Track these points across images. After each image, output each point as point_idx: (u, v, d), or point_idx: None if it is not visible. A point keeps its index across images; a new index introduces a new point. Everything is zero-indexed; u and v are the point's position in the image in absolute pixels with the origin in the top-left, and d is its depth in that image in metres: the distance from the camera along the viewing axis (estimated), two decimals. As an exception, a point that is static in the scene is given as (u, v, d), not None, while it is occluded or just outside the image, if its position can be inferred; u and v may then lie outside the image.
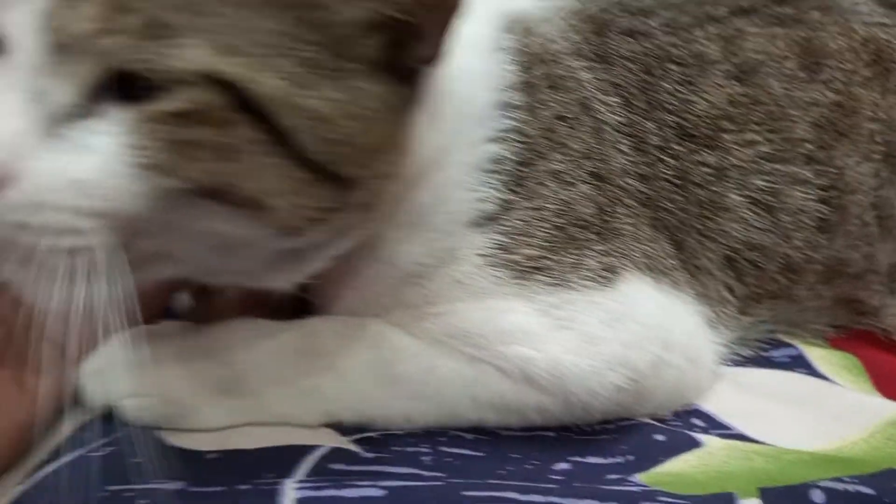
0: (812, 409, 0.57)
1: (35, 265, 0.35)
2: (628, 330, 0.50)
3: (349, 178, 0.39)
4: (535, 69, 0.52)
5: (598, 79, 0.55)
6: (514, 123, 0.49)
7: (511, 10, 0.54)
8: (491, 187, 0.48)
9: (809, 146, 0.57)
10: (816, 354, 0.62)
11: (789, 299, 0.60)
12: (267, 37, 0.35)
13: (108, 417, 0.48)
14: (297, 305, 0.59)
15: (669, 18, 0.59)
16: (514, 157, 0.49)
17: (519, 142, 0.49)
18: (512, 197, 0.49)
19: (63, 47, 0.34)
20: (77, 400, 0.50)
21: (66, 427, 0.49)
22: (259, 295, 0.58)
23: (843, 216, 0.58)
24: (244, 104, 0.35)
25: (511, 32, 0.52)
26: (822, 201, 0.58)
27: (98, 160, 0.34)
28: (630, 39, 0.57)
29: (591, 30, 0.57)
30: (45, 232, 0.34)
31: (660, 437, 0.52)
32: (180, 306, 0.59)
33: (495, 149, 0.49)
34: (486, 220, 0.49)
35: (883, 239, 0.60)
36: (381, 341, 0.50)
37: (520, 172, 0.49)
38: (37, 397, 0.47)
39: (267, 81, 0.35)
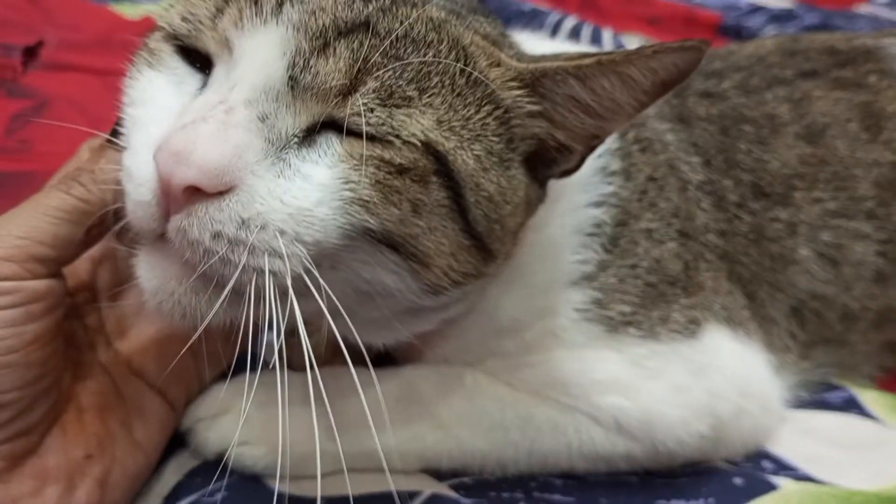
0: (869, 450, 0.61)
1: (215, 279, 0.35)
2: (712, 380, 0.53)
3: (492, 251, 0.42)
4: (628, 134, 0.55)
5: (679, 139, 0.58)
6: (613, 188, 0.52)
7: None
8: (590, 249, 0.51)
9: (871, 203, 0.61)
10: (868, 396, 0.65)
11: (842, 344, 0.64)
12: (472, 123, 0.40)
13: (219, 463, 0.50)
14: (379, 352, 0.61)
15: (740, 81, 0.63)
16: (611, 221, 0.52)
17: (616, 205, 0.52)
18: (608, 257, 0.51)
19: (304, 87, 0.36)
20: (186, 445, 0.51)
21: (176, 471, 0.50)
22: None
23: None
24: (445, 173, 0.38)
25: None
26: (880, 254, 0.61)
27: (315, 190, 0.36)
28: (706, 101, 0.60)
29: (672, 92, 0.60)
30: (246, 248, 0.35)
31: (738, 481, 0.55)
32: (268, 351, 0.61)
33: (596, 213, 0.51)
34: (583, 279, 0.51)
35: (930, 288, 0.64)
36: (479, 391, 0.52)
37: (616, 233, 0.52)
38: (147, 446, 0.49)
39: (466, 159, 0.39)
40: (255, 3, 0.38)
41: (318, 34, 0.37)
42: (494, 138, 0.41)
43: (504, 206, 0.41)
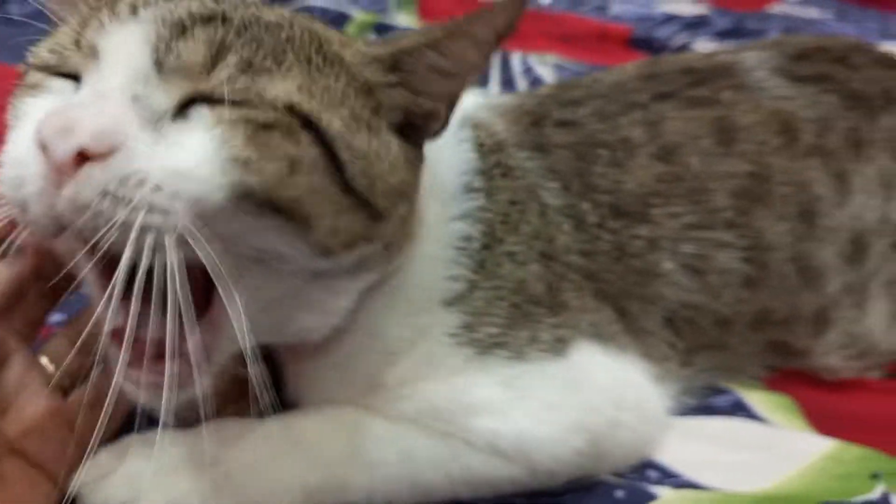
0: (753, 452, 0.63)
1: (105, 236, 0.38)
2: (583, 395, 0.55)
3: (379, 210, 0.46)
4: (489, 158, 0.58)
5: (538, 166, 0.60)
6: (476, 204, 0.55)
7: (465, 107, 0.60)
8: (460, 265, 0.53)
9: (729, 213, 0.63)
10: (755, 398, 0.68)
11: (723, 348, 0.66)
12: (333, 91, 0.44)
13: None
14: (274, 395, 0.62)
15: (598, 108, 0.65)
16: (478, 237, 0.54)
17: (481, 222, 0.55)
18: (475, 277, 0.54)
19: (170, 68, 0.41)
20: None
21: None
22: (237, 388, 0.61)
23: (765, 272, 0.64)
24: (314, 131, 0.42)
25: (467, 127, 0.59)
26: (745, 260, 0.63)
27: (193, 152, 0.40)
28: (562, 130, 0.63)
29: (530, 122, 0.63)
30: (129, 205, 0.38)
31: (620, 493, 0.56)
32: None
33: (462, 226, 0.54)
34: (455, 300, 0.53)
35: (804, 288, 0.66)
36: (360, 429, 0.54)
37: (482, 256, 0.54)
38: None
39: (332, 120, 0.43)
40: (112, 10, 0.43)
41: (176, 23, 0.42)
42: (357, 105, 0.45)
43: (381, 164, 0.45)
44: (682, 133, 0.64)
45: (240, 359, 0.63)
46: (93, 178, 0.37)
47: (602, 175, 0.61)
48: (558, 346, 0.55)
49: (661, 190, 0.62)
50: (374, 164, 0.44)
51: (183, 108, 0.41)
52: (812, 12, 1.83)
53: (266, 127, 0.40)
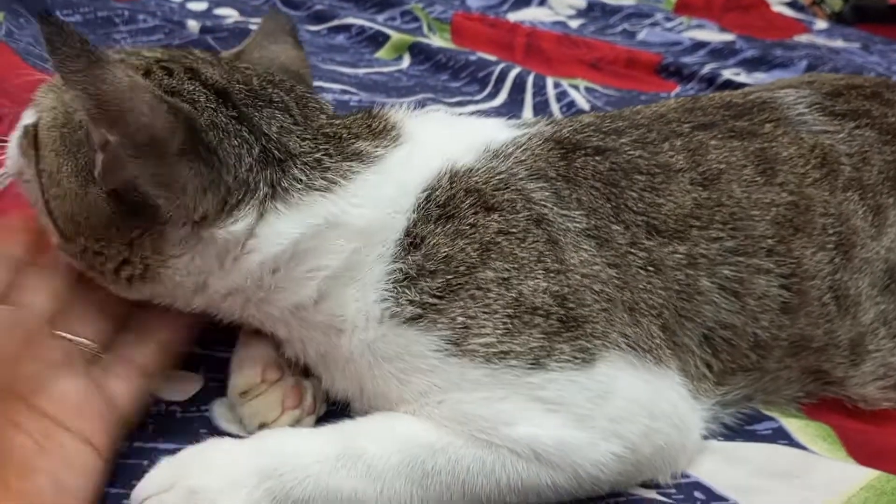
0: (794, 479, 0.63)
1: None
2: (614, 405, 0.56)
3: (62, 231, 0.57)
4: (465, 199, 0.58)
5: (555, 195, 0.60)
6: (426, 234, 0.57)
7: (487, 138, 0.63)
8: (398, 293, 0.56)
9: (770, 241, 0.64)
10: (795, 426, 0.68)
11: (761, 371, 0.66)
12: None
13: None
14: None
15: (639, 135, 0.66)
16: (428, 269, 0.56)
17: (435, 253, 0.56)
18: (436, 301, 0.55)
19: None
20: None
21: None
22: (292, 395, 0.63)
23: (804, 299, 0.65)
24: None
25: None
26: (784, 287, 0.64)
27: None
28: (597, 158, 0.64)
29: (560, 153, 0.64)
30: None
31: (668, 515, 0.57)
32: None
33: (392, 267, 0.56)
34: (414, 320, 0.55)
35: (841, 317, 0.67)
36: (411, 440, 0.55)
37: (442, 279, 0.56)
38: (79, 496, 0.51)
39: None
40: None
41: None
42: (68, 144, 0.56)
43: (54, 187, 0.56)
44: (723, 162, 0.65)
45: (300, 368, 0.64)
46: None
47: (638, 199, 0.62)
48: (583, 357, 0.55)
49: (701, 214, 0.63)
50: (47, 186, 0.56)
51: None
52: (838, 43, 1.84)
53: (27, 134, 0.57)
